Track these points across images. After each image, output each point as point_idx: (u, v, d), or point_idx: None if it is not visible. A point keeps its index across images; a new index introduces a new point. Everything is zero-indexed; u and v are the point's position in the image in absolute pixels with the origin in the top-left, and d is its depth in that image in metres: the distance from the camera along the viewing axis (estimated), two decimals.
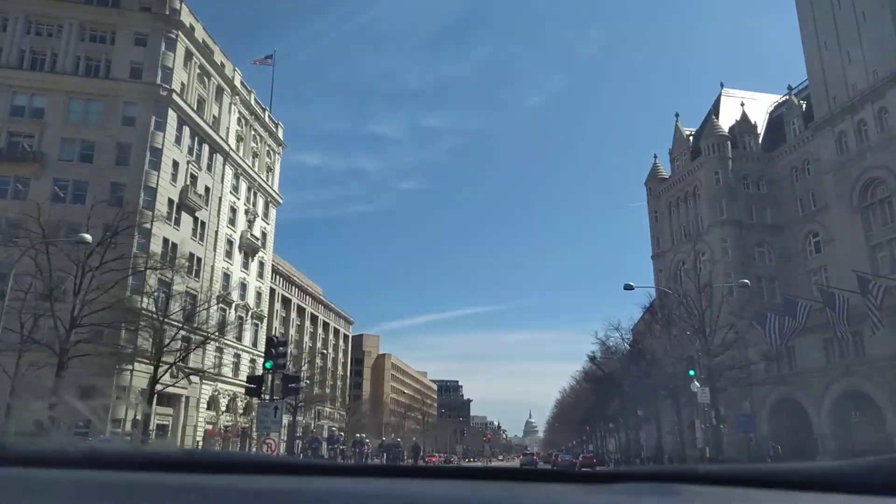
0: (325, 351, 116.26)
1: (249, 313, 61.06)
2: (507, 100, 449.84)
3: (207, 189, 54.76)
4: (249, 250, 61.60)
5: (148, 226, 46.41)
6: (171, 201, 49.50)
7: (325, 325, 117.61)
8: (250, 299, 61.38)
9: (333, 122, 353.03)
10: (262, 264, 64.64)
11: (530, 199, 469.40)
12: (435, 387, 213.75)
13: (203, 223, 53.92)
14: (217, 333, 44.17)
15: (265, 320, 64.88)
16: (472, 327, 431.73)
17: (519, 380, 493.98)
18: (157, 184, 47.84)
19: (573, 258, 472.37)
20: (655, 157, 79.08)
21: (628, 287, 38.73)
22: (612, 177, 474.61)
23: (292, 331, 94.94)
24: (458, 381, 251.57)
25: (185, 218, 51.25)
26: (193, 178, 52.61)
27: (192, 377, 49.86)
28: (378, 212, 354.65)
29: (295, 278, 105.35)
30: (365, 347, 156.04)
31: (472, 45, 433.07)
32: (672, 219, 74.52)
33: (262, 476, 0.95)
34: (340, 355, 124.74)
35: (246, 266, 61.27)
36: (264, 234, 65.35)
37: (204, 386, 53.13)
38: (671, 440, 65.33)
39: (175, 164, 50.14)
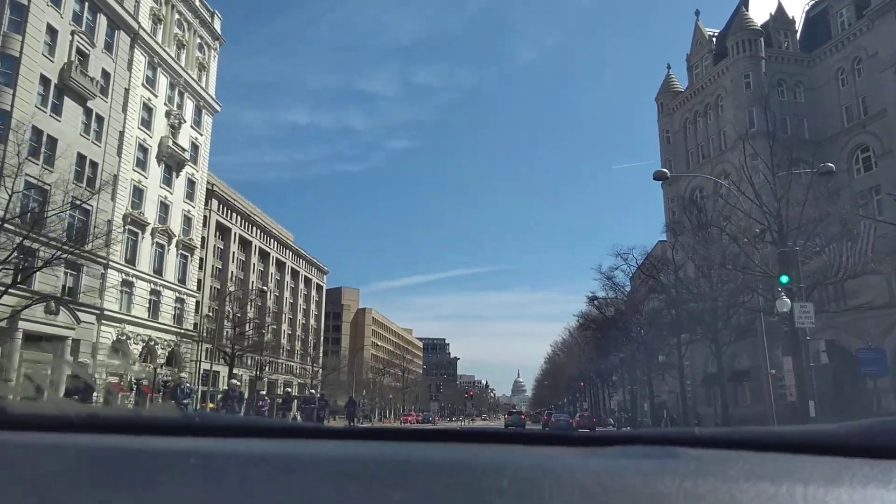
0: (292, 300, 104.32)
1: (174, 241, 48.67)
2: (500, 55, 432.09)
3: (107, 75, 41.82)
4: (173, 163, 48.89)
5: (7, 107, 33.83)
6: (46, 80, 36.66)
7: (295, 272, 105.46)
8: (174, 224, 48.91)
9: (322, 77, 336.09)
10: (192, 183, 51.98)
11: (522, 159, 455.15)
12: (420, 344, 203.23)
13: (100, 118, 41.14)
14: (78, 247, 31.76)
15: (196, 253, 52.45)
16: (461, 288, 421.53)
17: (507, 340, 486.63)
18: (22, 52, 34.98)
19: (562, 219, 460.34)
20: (669, 67, 66.42)
21: (660, 177, 26.75)
22: (603, 136, 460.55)
23: (233, 267, 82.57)
24: (444, 339, 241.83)
25: (71, 107, 38.41)
26: (83, 55, 39.63)
27: (79, 314, 37.71)
28: (368, 170, 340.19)
29: (257, 218, 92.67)
30: (344, 301, 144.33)
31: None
32: (688, 137, 62.20)
33: (260, 439, 0.95)
34: (313, 306, 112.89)
35: (168, 183, 48.65)
36: (195, 147, 52.55)
37: (104, 327, 41.04)
38: (704, 394, 54.27)
39: (52, 31, 37.17)
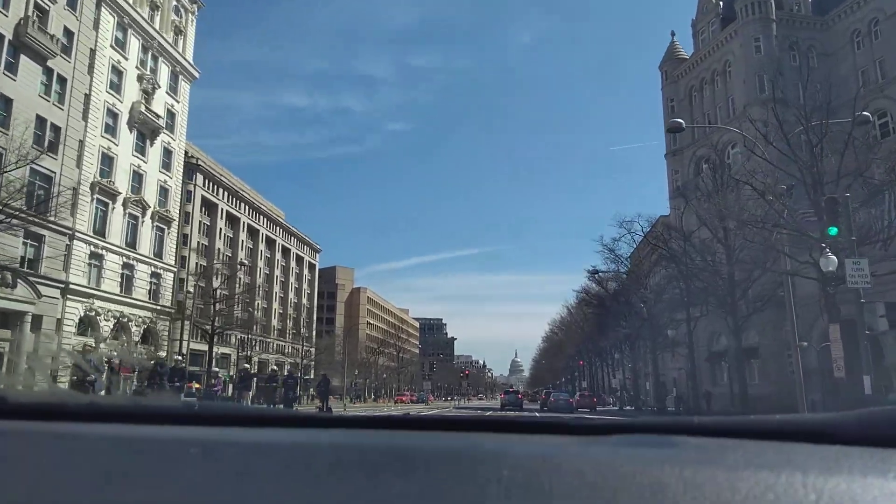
0: (283, 278, 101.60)
1: (149, 213, 45.76)
2: (496, 38, 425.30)
3: (70, 34, 38.65)
4: (146, 130, 45.82)
5: None
6: None
7: (286, 250, 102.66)
8: (149, 195, 45.96)
9: (319, 60, 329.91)
10: (168, 153, 48.93)
11: (519, 141, 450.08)
12: (417, 325, 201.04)
13: (62, 79, 38.03)
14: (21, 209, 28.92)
15: (174, 225, 49.56)
16: (459, 270, 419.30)
17: (505, 321, 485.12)
18: None
19: (561, 200, 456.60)
20: (673, 34, 63.14)
21: (674, 128, 23.91)
22: (603, 117, 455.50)
23: (220, 243, 79.60)
24: (441, 320, 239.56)
25: (28, 66, 35.32)
26: (42, 10, 36.45)
27: (40, 288, 34.94)
28: (366, 153, 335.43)
29: (245, 194, 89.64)
30: (338, 280, 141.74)
31: None
32: (693, 106, 59.12)
33: (263, 429, 0.96)
34: (305, 285, 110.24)
35: (142, 151, 45.61)
36: (171, 114, 49.42)
37: (70, 302, 38.30)
38: (708, 372, 51.83)
39: None
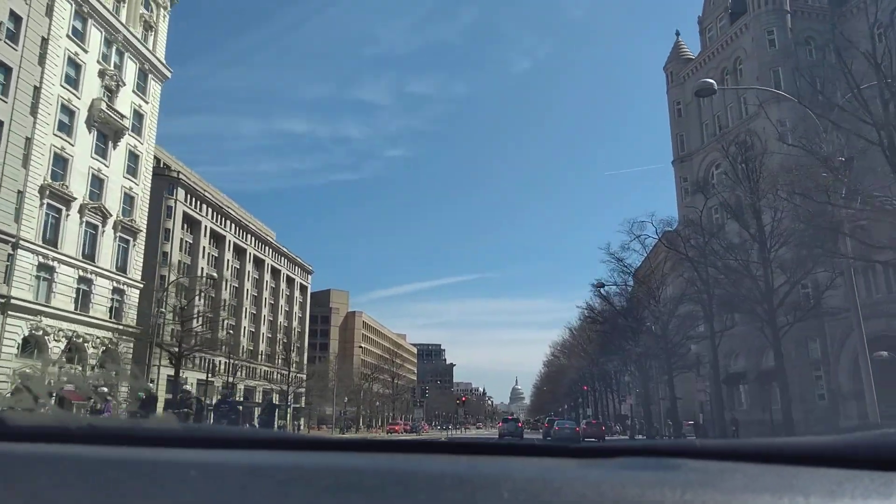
0: (273, 300, 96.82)
1: (110, 222, 41.40)
2: (494, 65, 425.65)
3: (17, 18, 34.70)
4: (109, 131, 41.69)
5: None
6: None
7: (276, 271, 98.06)
8: (111, 202, 41.65)
9: (318, 87, 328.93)
10: (135, 157, 44.72)
11: (518, 168, 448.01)
12: (415, 350, 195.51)
13: (7, 68, 33.98)
14: None
15: (141, 237, 45.15)
16: (457, 296, 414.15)
17: (505, 348, 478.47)
18: None
19: (560, 226, 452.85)
20: (678, 34, 59.48)
21: (705, 89, 19.73)
22: (601, 141, 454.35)
23: (204, 262, 74.94)
24: (440, 345, 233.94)
25: None
26: None
27: None
28: (364, 179, 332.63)
29: (231, 211, 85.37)
30: (333, 304, 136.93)
31: (458, 7, 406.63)
32: (702, 109, 55.23)
33: (261, 451, 0.95)
34: (296, 308, 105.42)
35: (103, 154, 41.41)
36: (139, 115, 45.35)
37: (11, 319, 33.72)
38: (725, 395, 47.12)
39: None
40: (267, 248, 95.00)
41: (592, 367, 69.99)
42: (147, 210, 46.28)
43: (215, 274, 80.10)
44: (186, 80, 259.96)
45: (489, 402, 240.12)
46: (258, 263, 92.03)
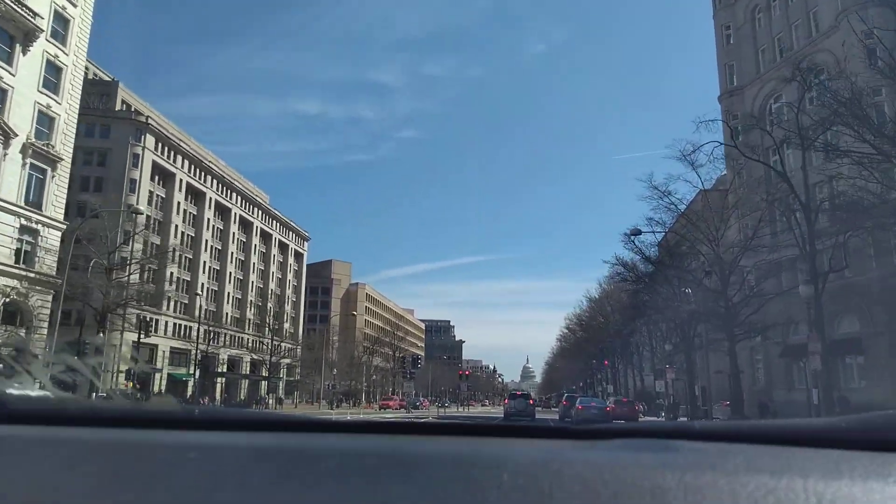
0: (262, 267, 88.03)
1: (15, 144, 32.35)
2: (510, 48, 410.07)
3: None
4: (15, 31, 32.51)
5: None
6: None
7: (266, 236, 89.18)
8: (18, 119, 32.60)
9: (332, 69, 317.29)
10: (56, 70, 35.56)
11: (532, 148, 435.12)
12: (423, 326, 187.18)
13: None
14: None
15: (63, 169, 36.03)
16: (470, 276, 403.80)
17: (517, 327, 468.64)
18: None
19: (574, 207, 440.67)
20: None
21: None
22: (614, 123, 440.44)
23: (178, 220, 66.10)
24: (449, 322, 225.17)
25: None
26: None
27: None
28: (378, 160, 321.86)
29: (212, 165, 76.24)
30: (334, 275, 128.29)
31: None
32: (758, 31, 45.18)
33: (261, 433, 0.96)
34: (291, 276, 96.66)
35: (7, 59, 32.32)
36: (63, 20, 36.09)
37: None
38: (782, 373, 38.13)
39: None
40: (256, 209, 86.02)
41: (614, 339, 60.80)
42: (73, 137, 37.12)
43: (193, 232, 71.33)
44: (201, 60, 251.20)
45: (499, 379, 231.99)
46: (245, 226, 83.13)
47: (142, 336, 35.31)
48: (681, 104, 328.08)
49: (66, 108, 36.34)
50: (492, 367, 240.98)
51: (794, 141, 24.70)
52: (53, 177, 34.92)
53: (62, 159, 35.48)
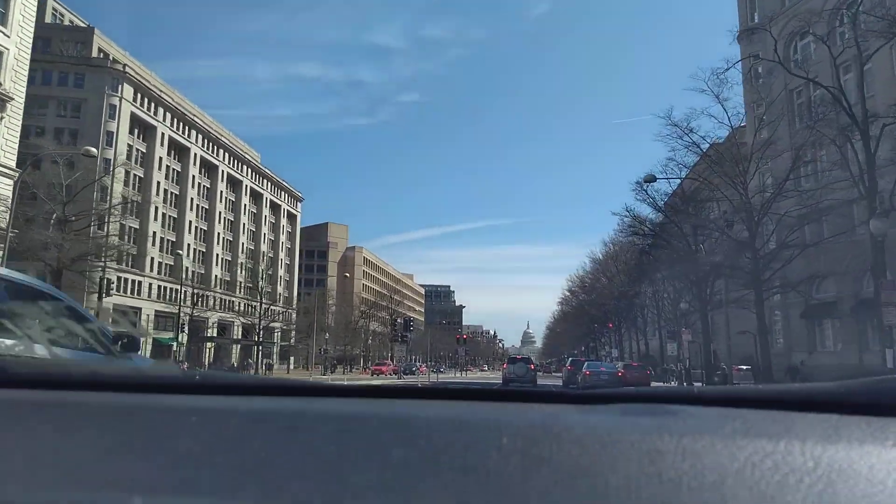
0: (254, 227, 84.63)
1: None
2: (512, 8, 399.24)
3: None
4: None
5: None
6: None
7: (257, 195, 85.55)
8: None
9: (332, 30, 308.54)
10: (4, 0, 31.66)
11: (534, 114, 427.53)
12: (422, 291, 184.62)
13: None
14: None
15: (13, 109, 32.34)
16: (470, 243, 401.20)
17: (518, 293, 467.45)
18: None
19: (573, 174, 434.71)
20: None
21: None
22: (617, 90, 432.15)
23: (160, 176, 62.48)
24: (449, 287, 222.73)
25: None
26: None
27: None
28: (378, 124, 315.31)
29: (196, 119, 72.22)
30: (331, 238, 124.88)
31: None
32: None
33: (261, 397, 0.97)
34: (284, 237, 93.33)
35: None
36: None
37: None
38: (803, 332, 35.14)
39: None
40: (246, 167, 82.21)
41: (619, 300, 57.69)
42: (25, 76, 33.36)
43: (178, 189, 67.70)
44: (200, 23, 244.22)
45: (500, 344, 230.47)
46: (234, 184, 79.44)
47: (103, 296, 32.00)
48: (689, 62, 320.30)
49: (17, 43, 32.52)
50: (492, 332, 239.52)
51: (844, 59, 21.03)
52: (2, 118, 31.28)
53: (12, 99, 31.79)
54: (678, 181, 32.14)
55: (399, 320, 41.85)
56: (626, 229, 36.22)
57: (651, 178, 29.84)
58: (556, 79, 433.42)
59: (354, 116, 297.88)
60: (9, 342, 3.35)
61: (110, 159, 56.22)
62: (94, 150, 26.39)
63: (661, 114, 27.01)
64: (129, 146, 59.60)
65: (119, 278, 57.30)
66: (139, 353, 5.43)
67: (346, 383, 1.02)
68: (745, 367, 37.86)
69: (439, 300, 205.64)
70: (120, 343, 4.59)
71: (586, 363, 29.76)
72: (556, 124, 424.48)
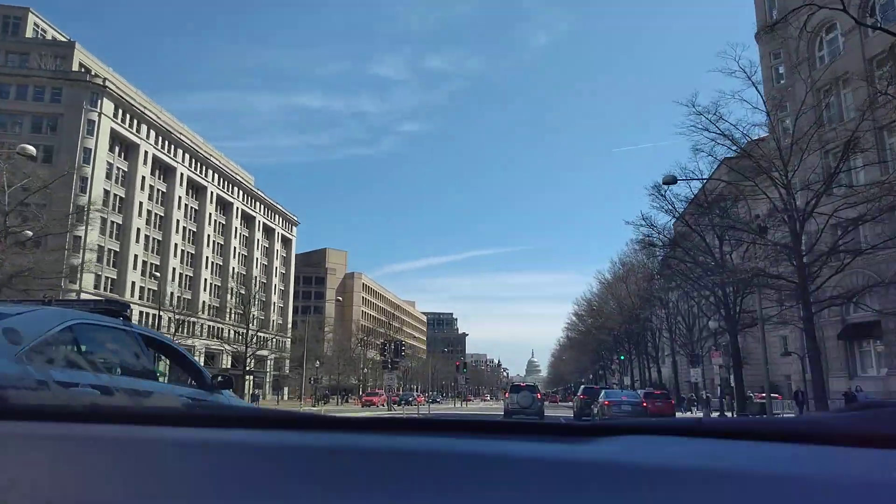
0: (246, 252, 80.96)
1: None
2: (512, 40, 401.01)
3: None
4: None
5: None
6: None
7: (249, 219, 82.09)
8: None
9: (334, 63, 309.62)
10: None
11: (535, 143, 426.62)
12: (424, 318, 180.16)
13: None
14: None
15: None
16: (472, 271, 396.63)
17: (521, 321, 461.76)
18: None
19: (576, 201, 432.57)
20: None
21: None
22: (618, 117, 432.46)
23: (143, 196, 58.69)
24: (452, 314, 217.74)
25: None
26: None
27: None
28: (380, 154, 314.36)
29: (183, 138, 69.07)
30: (329, 264, 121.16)
31: None
32: None
33: (261, 430, 0.96)
34: (278, 263, 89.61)
35: None
36: None
37: None
38: (841, 355, 31.22)
39: None
40: (238, 189, 78.90)
41: (630, 324, 53.60)
42: None
43: (162, 211, 64.23)
44: (203, 56, 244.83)
45: (504, 373, 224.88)
46: (224, 207, 76.04)
47: None
48: (690, 87, 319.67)
49: None
50: (496, 360, 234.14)
51: None
52: None
53: None
54: (700, 184, 28.42)
55: (389, 344, 37.64)
56: (641, 241, 32.35)
57: (671, 180, 26.06)
58: (561, 106, 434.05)
59: (356, 146, 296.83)
60: (144, 382, 4.51)
61: (87, 177, 52.99)
62: (31, 147, 22.82)
63: (684, 101, 22.95)
64: (110, 164, 56.31)
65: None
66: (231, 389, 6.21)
67: (348, 416, 1.00)
68: (763, 395, 33.90)
69: (441, 328, 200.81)
70: (216, 381, 5.70)
71: (603, 392, 25.55)
72: (561, 153, 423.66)
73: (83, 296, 51.69)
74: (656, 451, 0.76)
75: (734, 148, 22.65)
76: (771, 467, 0.67)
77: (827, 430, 0.80)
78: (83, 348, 4.32)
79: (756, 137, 23.57)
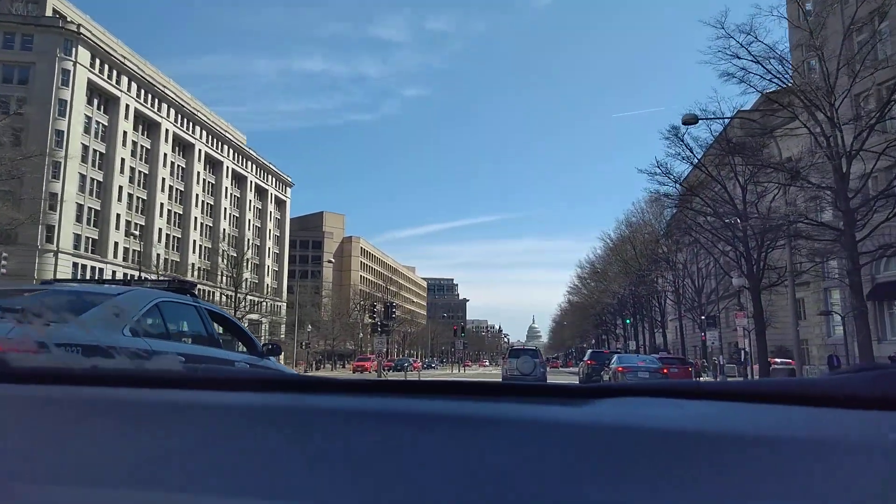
0: (237, 214, 78.07)
1: None
2: (514, 1, 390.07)
3: None
4: None
5: None
6: None
7: (241, 178, 78.93)
8: None
9: (334, 24, 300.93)
10: None
11: (539, 107, 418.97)
12: (425, 284, 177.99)
13: None
14: None
15: None
16: (474, 237, 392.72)
17: (522, 287, 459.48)
18: None
19: (579, 166, 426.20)
20: None
21: None
22: (623, 79, 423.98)
23: (125, 153, 55.29)
24: (452, 280, 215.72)
25: None
26: None
27: None
28: (382, 119, 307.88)
29: (168, 91, 65.52)
30: (326, 227, 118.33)
31: None
32: None
33: (260, 393, 0.96)
34: (271, 224, 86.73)
35: None
36: None
37: None
38: (870, 317, 28.45)
39: None
40: (228, 148, 75.58)
41: (636, 286, 50.93)
42: None
43: (147, 168, 61.15)
44: (202, 19, 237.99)
45: (505, 339, 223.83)
46: (214, 165, 72.84)
47: None
48: (696, 63, 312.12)
49: None
50: (497, 326, 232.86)
51: None
52: None
53: None
54: (721, 126, 25.29)
55: (377, 307, 34.97)
56: (654, 193, 29.31)
57: (692, 119, 22.97)
58: (565, 68, 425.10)
59: (358, 111, 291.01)
60: (212, 349, 5.35)
61: (63, 131, 49.83)
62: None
63: (711, 21, 19.64)
64: (88, 117, 53.04)
65: (76, 264, 50.88)
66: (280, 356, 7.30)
67: (351, 378, 1.01)
68: (780, 361, 31.40)
69: (442, 294, 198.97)
70: (266, 349, 6.37)
71: (616, 357, 22.71)
72: (562, 118, 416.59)
73: (61, 256, 49.09)
74: (654, 413, 0.77)
75: (767, 77, 19.48)
76: (765, 429, 0.68)
77: (822, 391, 0.80)
78: (167, 322, 5.07)
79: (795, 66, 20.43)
